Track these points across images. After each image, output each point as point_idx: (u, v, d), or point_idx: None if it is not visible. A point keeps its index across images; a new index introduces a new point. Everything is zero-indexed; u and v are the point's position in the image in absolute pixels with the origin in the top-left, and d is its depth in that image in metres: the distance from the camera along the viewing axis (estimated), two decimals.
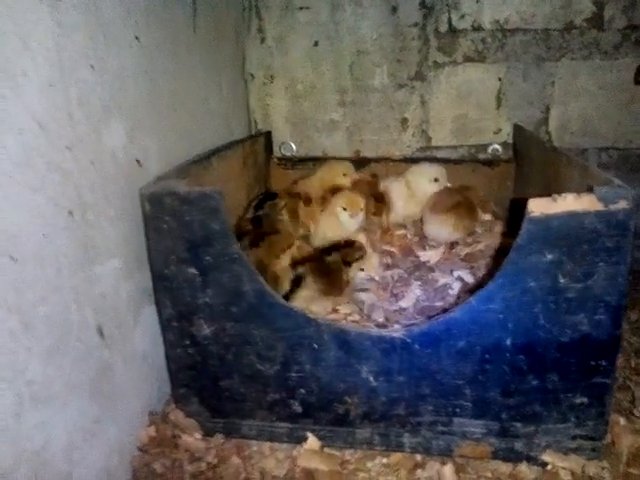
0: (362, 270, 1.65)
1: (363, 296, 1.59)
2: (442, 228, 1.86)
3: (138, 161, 1.18)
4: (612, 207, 0.95)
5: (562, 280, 1.00)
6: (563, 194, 0.97)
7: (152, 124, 1.26)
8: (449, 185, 2.00)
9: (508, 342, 1.06)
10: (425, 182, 1.97)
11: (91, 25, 1.01)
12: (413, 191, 1.98)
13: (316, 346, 1.13)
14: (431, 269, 1.76)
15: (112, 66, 1.08)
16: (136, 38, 1.18)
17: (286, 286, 1.47)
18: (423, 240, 1.94)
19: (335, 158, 2.12)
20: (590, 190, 0.98)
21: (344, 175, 1.97)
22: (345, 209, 1.76)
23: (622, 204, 0.95)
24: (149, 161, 1.24)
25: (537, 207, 0.97)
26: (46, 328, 0.87)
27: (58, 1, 0.90)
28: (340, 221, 1.76)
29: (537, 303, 1.02)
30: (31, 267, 0.84)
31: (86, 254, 0.99)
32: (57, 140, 0.90)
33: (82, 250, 0.97)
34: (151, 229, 1.10)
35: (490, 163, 2.11)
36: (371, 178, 2.03)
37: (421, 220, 1.96)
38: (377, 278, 1.69)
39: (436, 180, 1.96)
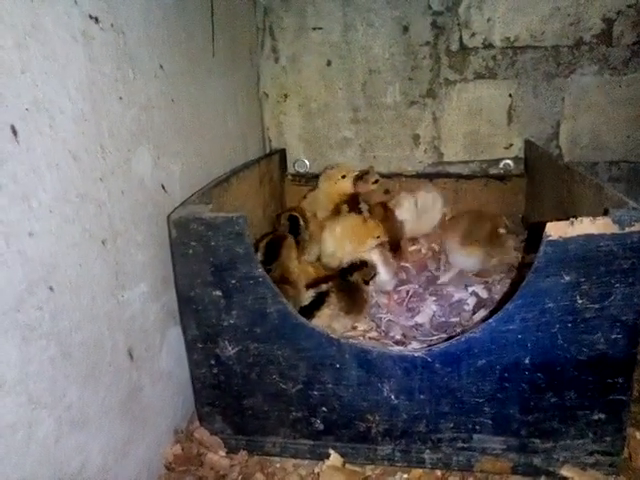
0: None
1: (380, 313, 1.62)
2: (471, 259, 1.83)
3: (163, 186, 1.22)
4: (627, 230, 0.98)
5: (580, 301, 1.03)
6: (579, 217, 0.99)
7: (176, 149, 1.30)
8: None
9: (527, 361, 1.08)
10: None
11: (119, 58, 1.04)
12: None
13: (338, 365, 1.15)
14: (445, 284, 1.79)
15: (139, 96, 1.12)
16: (160, 67, 1.22)
17: (304, 294, 1.52)
18: (436, 254, 1.97)
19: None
20: (606, 213, 1.00)
21: (343, 177, 1.99)
22: (379, 236, 1.77)
23: (637, 227, 0.98)
24: (173, 185, 1.27)
25: (555, 230, 1.00)
26: (82, 354, 0.91)
27: (92, 39, 0.94)
28: (366, 247, 1.76)
29: (555, 323, 1.05)
30: (68, 296, 0.87)
31: (117, 280, 1.02)
32: (90, 172, 0.93)
33: (113, 277, 1.01)
34: (178, 253, 1.13)
35: (502, 178, 2.14)
36: (384, 194, 2.05)
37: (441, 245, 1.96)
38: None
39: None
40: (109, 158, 0.99)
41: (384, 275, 1.72)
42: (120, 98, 1.04)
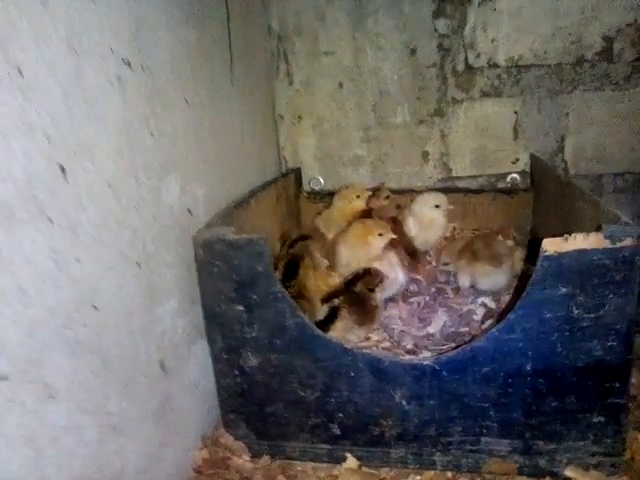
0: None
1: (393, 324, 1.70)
2: (501, 278, 1.82)
3: (189, 210, 1.32)
4: (619, 244, 1.05)
5: (576, 311, 1.11)
6: (573, 234, 1.07)
7: (200, 175, 1.40)
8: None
9: (529, 367, 1.16)
10: (428, 210, 2.05)
11: (150, 96, 1.15)
12: (420, 220, 2.06)
13: (352, 374, 1.24)
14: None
15: (167, 130, 1.22)
16: (185, 101, 1.33)
17: (319, 307, 1.61)
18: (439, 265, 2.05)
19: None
20: (599, 229, 1.08)
21: (357, 197, 2.10)
22: (381, 234, 1.83)
23: (628, 241, 1.05)
24: (198, 209, 1.38)
25: (550, 246, 1.08)
26: (120, 366, 1.01)
27: (125, 81, 1.05)
28: (372, 247, 1.83)
29: (554, 332, 1.13)
30: (108, 314, 0.97)
31: (150, 298, 1.12)
32: (126, 201, 1.04)
33: (147, 295, 1.11)
34: (203, 272, 1.24)
35: (509, 192, 2.22)
36: (395, 209, 2.13)
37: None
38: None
39: (437, 207, 2.04)
40: (142, 188, 1.10)
41: (400, 276, 1.80)
42: (151, 133, 1.15)
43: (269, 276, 1.21)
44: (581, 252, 1.07)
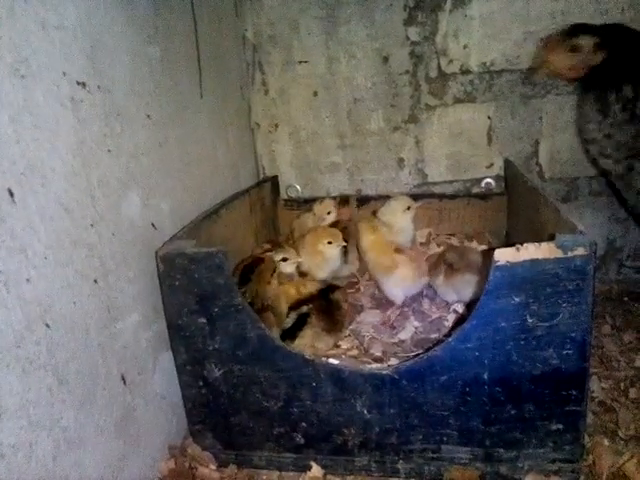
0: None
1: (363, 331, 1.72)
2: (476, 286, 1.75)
3: (153, 224, 1.34)
4: (570, 254, 1.07)
5: (530, 320, 1.12)
6: (525, 244, 1.08)
7: (165, 189, 1.42)
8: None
9: (486, 376, 1.18)
10: (396, 215, 2.04)
11: (107, 115, 1.17)
12: (389, 227, 2.03)
13: (314, 384, 1.26)
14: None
15: (127, 146, 1.24)
16: (147, 116, 1.34)
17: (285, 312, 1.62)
18: None
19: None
20: (551, 238, 1.09)
21: (329, 213, 2.14)
22: (331, 242, 1.88)
23: (580, 251, 1.06)
24: (163, 222, 1.39)
25: (502, 256, 1.09)
26: (77, 381, 1.02)
27: (80, 102, 1.06)
28: (325, 255, 1.89)
29: (509, 341, 1.14)
30: (63, 331, 0.99)
31: (109, 313, 1.14)
32: (81, 220, 1.06)
33: (106, 310, 1.13)
34: (165, 285, 1.25)
35: (484, 196, 2.23)
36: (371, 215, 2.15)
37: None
38: None
39: (408, 209, 2.04)
40: (99, 205, 1.12)
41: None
42: (109, 150, 1.16)
43: (230, 289, 1.23)
44: (533, 262, 1.08)
